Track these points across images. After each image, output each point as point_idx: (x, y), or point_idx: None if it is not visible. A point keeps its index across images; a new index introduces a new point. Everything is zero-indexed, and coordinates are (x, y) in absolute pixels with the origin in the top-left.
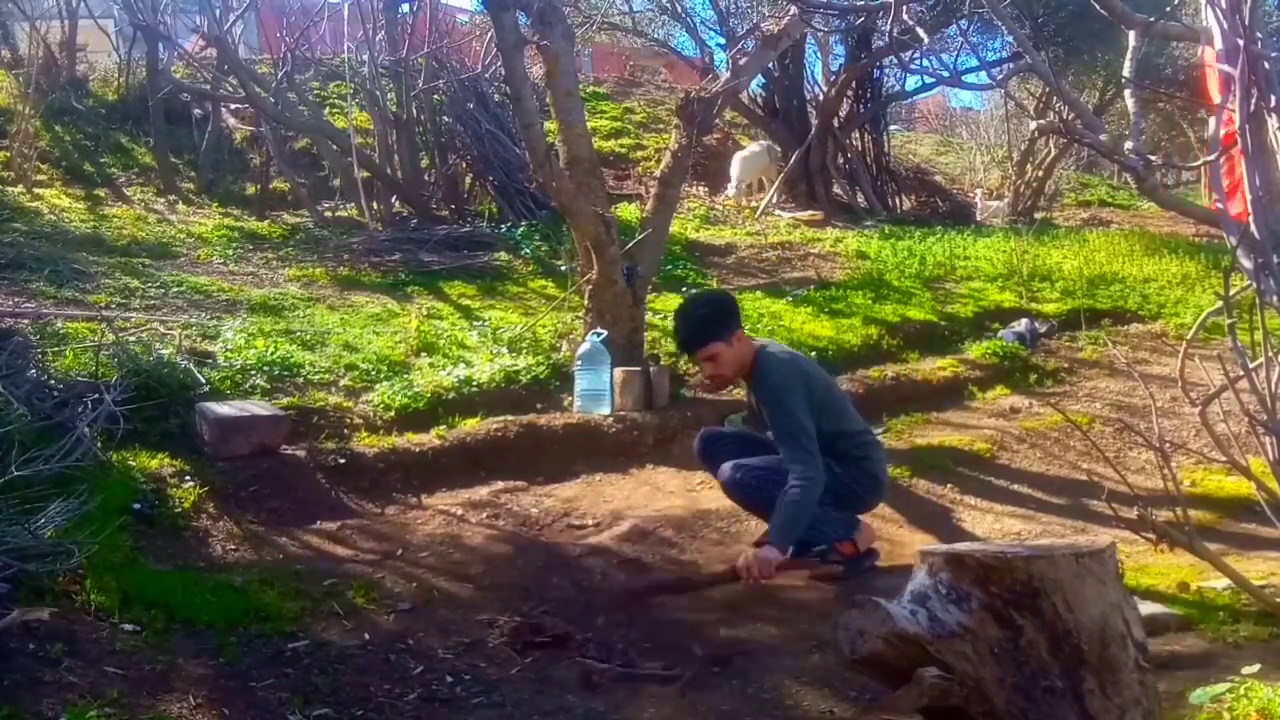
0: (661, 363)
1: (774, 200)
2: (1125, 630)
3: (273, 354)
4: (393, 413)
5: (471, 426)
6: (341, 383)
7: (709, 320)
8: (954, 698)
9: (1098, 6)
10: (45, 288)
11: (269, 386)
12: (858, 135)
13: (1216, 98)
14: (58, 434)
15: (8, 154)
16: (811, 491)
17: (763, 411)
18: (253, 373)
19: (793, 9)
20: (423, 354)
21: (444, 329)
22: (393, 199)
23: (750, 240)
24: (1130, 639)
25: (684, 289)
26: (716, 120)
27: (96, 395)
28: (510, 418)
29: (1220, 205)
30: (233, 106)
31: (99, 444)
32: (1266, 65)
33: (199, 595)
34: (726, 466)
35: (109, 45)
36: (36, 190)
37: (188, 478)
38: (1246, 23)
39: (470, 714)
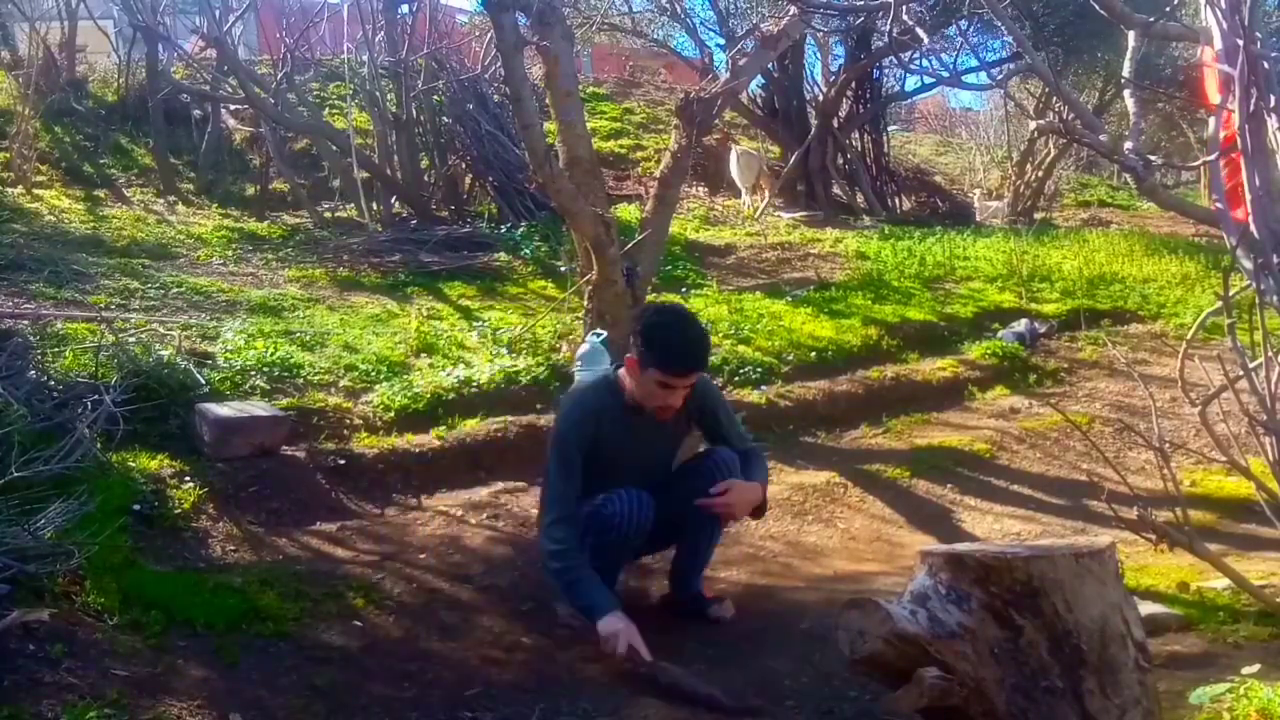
0: None
1: (772, 202)
2: (1125, 630)
3: (272, 355)
4: (392, 413)
5: (471, 427)
6: (341, 383)
7: None
8: (954, 698)
9: (1098, 7)
10: (45, 289)
11: (269, 387)
12: (857, 135)
13: (1215, 98)
14: (58, 435)
15: (8, 155)
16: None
17: (704, 421)
18: (252, 374)
19: (792, 9)
20: (422, 355)
21: (444, 330)
22: (392, 200)
23: (750, 241)
24: (1130, 639)
25: (684, 289)
26: (716, 121)
27: (96, 396)
28: (510, 418)
29: (1220, 205)
30: (232, 107)
31: (99, 445)
32: (1266, 65)
33: (199, 596)
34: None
35: (109, 46)
36: (36, 191)
37: (187, 478)
38: (1246, 23)
39: (470, 714)
